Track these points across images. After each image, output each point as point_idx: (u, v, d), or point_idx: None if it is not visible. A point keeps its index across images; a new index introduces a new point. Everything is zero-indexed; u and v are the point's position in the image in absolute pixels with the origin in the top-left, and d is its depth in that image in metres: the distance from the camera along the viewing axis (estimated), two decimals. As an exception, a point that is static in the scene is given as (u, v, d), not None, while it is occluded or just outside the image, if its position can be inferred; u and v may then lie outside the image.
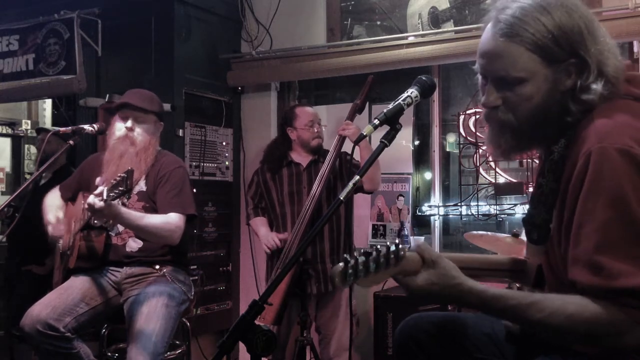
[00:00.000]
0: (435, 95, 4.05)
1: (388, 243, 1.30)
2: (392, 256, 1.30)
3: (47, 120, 6.04)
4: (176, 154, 3.40)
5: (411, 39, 3.95)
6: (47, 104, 5.98)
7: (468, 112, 3.84)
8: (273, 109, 4.54)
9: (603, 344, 1.33)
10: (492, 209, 3.83)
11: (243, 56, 4.50)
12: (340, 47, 4.19)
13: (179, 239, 2.82)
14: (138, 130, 2.92)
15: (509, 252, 2.49)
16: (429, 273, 1.35)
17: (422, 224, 4.23)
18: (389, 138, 1.57)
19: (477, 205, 3.83)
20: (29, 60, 4.40)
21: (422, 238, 4.10)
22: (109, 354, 3.06)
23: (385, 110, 1.58)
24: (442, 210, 4.10)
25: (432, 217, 4.12)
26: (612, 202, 1.28)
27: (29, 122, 6.02)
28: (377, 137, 1.57)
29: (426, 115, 4.20)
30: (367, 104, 3.57)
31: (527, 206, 3.52)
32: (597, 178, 1.30)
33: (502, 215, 3.84)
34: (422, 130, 4.28)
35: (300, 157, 3.57)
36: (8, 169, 6.00)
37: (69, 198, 3.06)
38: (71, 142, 2.82)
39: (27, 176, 5.83)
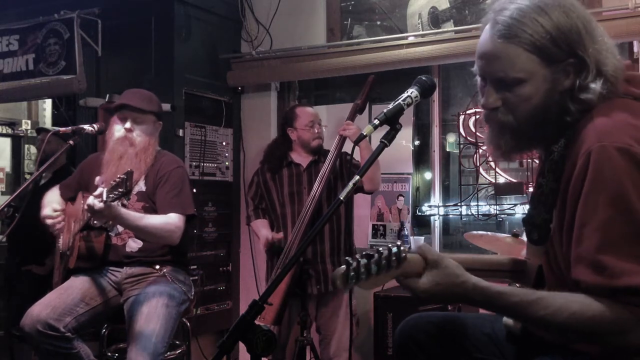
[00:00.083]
0: (435, 95, 4.05)
1: (389, 245, 1.31)
2: (394, 258, 1.30)
3: (47, 120, 6.04)
4: (176, 154, 3.41)
5: (411, 39, 3.95)
6: (47, 104, 5.98)
7: (468, 112, 3.84)
8: (273, 109, 4.54)
9: (606, 343, 1.33)
10: (492, 209, 3.83)
11: (243, 56, 4.50)
12: (340, 47, 4.19)
13: (179, 239, 2.82)
14: (137, 131, 2.92)
15: (509, 252, 2.48)
16: (432, 274, 1.35)
17: (422, 224, 4.23)
18: (389, 138, 1.57)
19: (477, 205, 3.83)
20: (29, 60, 4.40)
21: (422, 238, 4.10)
22: (109, 354, 3.06)
23: (385, 110, 1.58)
24: (442, 210, 4.10)
25: (432, 217, 4.12)
26: (613, 201, 1.28)
27: (29, 122, 6.02)
28: (377, 137, 1.57)
29: (426, 115, 4.20)
30: (367, 104, 3.56)
31: (527, 206, 3.53)
32: (597, 177, 1.30)
33: (502, 215, 3.84)
34: (422, 130, 4.28)
35: (301, 158, 3.57)
36: (8, 169, 6.00)
37: (69, 198, 3.06)
38: (71, 142, 2.82)
39: (27, 176, 5.83)
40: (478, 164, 3.79)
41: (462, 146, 3.91)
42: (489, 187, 3.81)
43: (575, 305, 1.30)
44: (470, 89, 3.99)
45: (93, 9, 4.15)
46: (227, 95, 4.47)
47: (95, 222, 2.81)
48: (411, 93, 1.62)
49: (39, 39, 4.32)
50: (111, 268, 2.89)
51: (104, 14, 4.18)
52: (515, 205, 3.78)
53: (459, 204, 3.93)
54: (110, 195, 2.43)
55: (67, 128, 2.90)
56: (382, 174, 3.55)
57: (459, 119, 3.86)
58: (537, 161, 3.17)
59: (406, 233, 4.06)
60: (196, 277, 4.07)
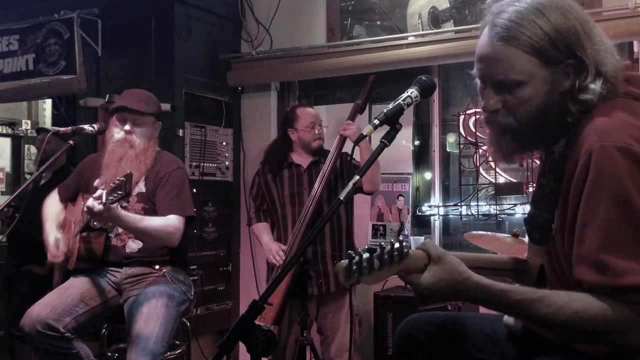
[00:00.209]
0: (435, 95, 4.05)
1: (392, 240, 1.31)
2: (396, 253, 1.30)
3: (47, 120, 6.04)
4: (176, 154, 3.41)
5: (411, 39, 3.95)
6: (47, 104, 5.98)
7: (468, 112, 3.84)
8: (273, 109, 4.54)
9: (608, 342, 1.33)
10: (492, 209, 3.83)
11: (243, 56, 4.50)
12: (340, 47, 4.19)
13: (179, 240, 2.81)
14: (137, 133, 2.91)
15: (509, 252, 2.48)
16: (435, 269, 1.35)
17: (422, 224, 4.23)
18: (389, 138, 1.57)
19: (477, 205, 3.83)
20: (29, 60, 4.40)
21: (422, 238, 4.10)
22: (109, 354, 3.05)
23: (385, 110, 1.58)
24: (442, 210, 4.10)
25: (432, 217, 4.12)
26: (614, 201, 1.29)
27: (29, 122, 6.02)
28: (377, 137, 1.57)
29: (426, 115, 4.20)
30: (368, 104, 3.56)
31: (527, 206, 3.54)
32: (598, 177, 1.31)
33: (502, 215, 3.84)
34: (422, 130, 4.28)
35: (301, 159, 3.56)
36: (8, 169, 6.00)
37: (69, 199, 3.06)
38: (71, 142, 2.81)
39: (27, 176, 5.83)
40: (478, 164, 3.79)
41: (462, 146, 3.91)
42: (489, 187, 3.81)
43: (577, 304, 1.30)
44: (470, 89, 3.96)
45: (93, 9, 4.15)
46: (227, 95, 4.47)
47: (95, 223, 2.81)
48: (411, 93, 1.62)
49: (39, 39, 4.32)
50: (111, 268, 2.89)
51: (104, 14, 4.18)
52: (515, 205, 3.78)
53: (459, 204, 3.93)
54: (110, 198, 2.43)
55: (67, 128, 2.90)
56: (382, 174, 3.55)
57: (459, 119, 3.86)
58: (537, 161, 3.17)
59: (406, 233, 4.06)
60: (196, 277, 4.07)
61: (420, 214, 4.20)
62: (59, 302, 2.69)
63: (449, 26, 3.97)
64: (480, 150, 3.77)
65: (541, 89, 1.42)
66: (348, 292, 3.32)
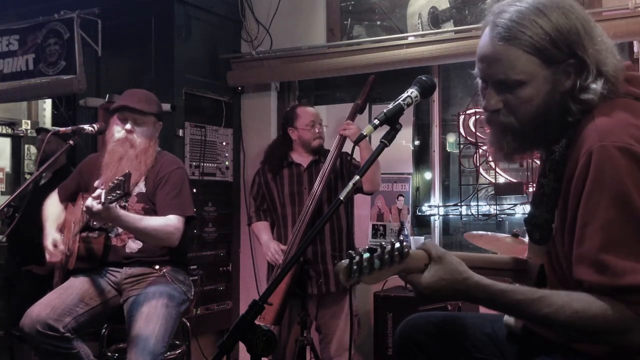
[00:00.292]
0: (435, 95, 4.05)
1: (393, 240, 1.31)
2: (397, 253, 1.30)
3: (47, 120, 6.04)
4: (176, 154, 3.41)
5: (411, 39, 3.95)
6: (47, 104, 5.98)
7: (468, 112, 3.84)
8: (273, 109, 4.54)
9: (608, 341, 1.34)
10: (492, 209, 3.83)
11: (243, 56, 4.50)
12: (340, 47, 4.19)
13: (178, 240, 2.81)
14: (137, 133, 2.91)
15: (509, 252, 2.48)
16: (436, 269, 1.35)
17: (422, 224, 4.23)
18: (389, 138, 1.57)
19: (477, 205, 3.84)
20: (29, 60, 4.40)
21: (422, 238, 4.10)
22: (109, 354, 3.06)
23: (385, 110, 1.58)
24: (442, 210, 4.10)
25: (432, 217, 4.12)
26: (614, 201, 1.29)
27: (29, 122, 6.02)
28: (377, 137, 1.57)
29: (426, 115, 4.20)
30: (368, 104, 3.56)
31: (526, 206, 3.54)
32: (598, 177, 1.31)
33: (502, 215, 3.84)
34: (422, 130, 4.28)
35: (301, 158, 3.57)
36: (8, 169, 6.00)
37: (69, 199, 3.06)
38: (71, 142, 2.81)
39: (27, 176, 5.83)
40: (478, 164, 3.79)
41: (462, 146, 3.91)
42: (489, 187, 3.81)
43: (578, 304, 1.30)
44: (470, 89, 3.98)
45: (93, 9, 4.15)
46: (227, 95, 4.47)
47: (94, 223, 2.81)
48: (411, 93, 1.62)
49: (39, 39, 4.32)
50: (111, 268, 2.88)
51: (104, 14, 4.18)
52: (515, 205, 3.78)
53: (459, 204, 3.93)
54: (109, 197, 2.43)
55: (67, 128, 2.90)
56: (382, 174, 3.55)
57: (459, 119, 3.86)
58: (537, 161, 3.17)
59: (406, 233, 4.06)
60: (196, 277, 4.07)
61: (420, 214, 4.20)
62: (59, 302, 2.69)
63: (449, 26, 3.97)
64: (480, 150, 3.77)
65: (542, 89, 1.42)
66: (348, 292, 3.32)
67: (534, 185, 1.92)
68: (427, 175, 4.25)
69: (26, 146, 6.03)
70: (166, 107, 3.60)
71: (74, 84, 4.11)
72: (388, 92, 4.16)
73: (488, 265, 1.60)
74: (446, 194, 4.18)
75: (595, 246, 1.30)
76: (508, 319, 1.64)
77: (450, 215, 4.11)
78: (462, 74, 4.12)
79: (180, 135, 4.08)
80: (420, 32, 4.04)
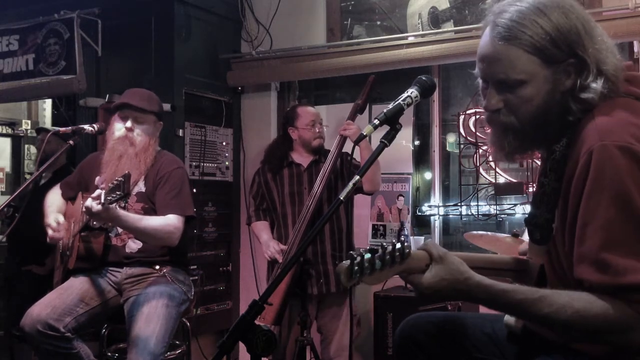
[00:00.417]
0: (435, 95, 4.05)
1: (394, 240, 1.31)
2: (397, 254, 1.31)
3: (47, 120, 6.04)
4: (176, 154, 3.40)
5: (411, 39, 3.95)
6: (47, 104, 5.98)
7: (468, 112, 3.84)
8: (273, 109, 4.54)
9: (609, 341, 1.33)
10: (492, 209, 3.83)
11: (243, 56, 4.50)
12: (340, 47, 4.19)
13: (178, 240, 2.81)
14: (137, 131, 2.91)
15: (509, 252, 2.48)
16: (437, 269, 1.36)
17: (422, 224, 4.23)
18: (389, 138, 1.57)
19: (477, 205, 3.83)
20: (29, 60, 4.40)
21: (422, 238, 4.10)
22: (109, 354, 3.05)
23: (385, 110, 1.58)
24: (442, 210, 4.10)
25: (432, 217, 4.12)
26: (615, 200, 1.29)
27: (29, 122, 6.02)
28: (377, 137, 1.57)
29: (426, 115, 4.20)
30: (368, 104, 3.56)
31: (527, 206, 3.54)
32: (599, 176, 1.31)
33: (502, 215, 3.84)
34: (422, 130, 4.28)
35: (301, 158, 3.56)
36: (8, 169, 6.00)
37: (70, 197, 3.06)
38: (71, 142, 2.82)
39: (27, 176, 5.83)
40: (478, 164, 3.79)
41: (462, 146, 3.91)
42: (489, 187, 3.81)
43: (579, 303, 1.30)
44: (470, 88, 3.98)
45: (93, 9, 4.15)
46: (227, 95, 4.47)
47: (94, 223, 2.81)
48: (411, 93, 1.62)
49: (39, 39, 4.32)
50: (111, 268, 2.89)
51: (104, 14, 4.18)
52: (515, 205, 3.78)
53: (459, 204, 3.93)
54: (108, 198, 2.43)
55: (67, 128, 2.90)
56: (382, 174, 3.55)
57: (459, 119, 3.86)
58: (537, 161, 3.17)
59: (406, 233, 4.06)
60: (196, 277, 4.07)
61: (420, 214, 4.20)
62: (59, 302, 2.69)
63: (449, 26, 3.97)
64: (480, 150, 3.77)
65: (542, 88, 1.43)
66: (348, 292, 3.32)
67: (534, 185, 1.93)
68: (427, 175, 4.25)
69: (26, 146, 6.03)
70: (166, 107, 3.60)
71: (74, 84, 4.11)
72: (388, 92, 4.16)
73: (488, 265, 1.60)
74: (446, 194, 4.18)
75: (595, 245, 1.30)
76: (508, 319, 1.64)
77: (450, 215, 4.11)
78: (462, 74, 4.12)
79: (180, 135, 4.08)
80: (420, 32, 4.04)
